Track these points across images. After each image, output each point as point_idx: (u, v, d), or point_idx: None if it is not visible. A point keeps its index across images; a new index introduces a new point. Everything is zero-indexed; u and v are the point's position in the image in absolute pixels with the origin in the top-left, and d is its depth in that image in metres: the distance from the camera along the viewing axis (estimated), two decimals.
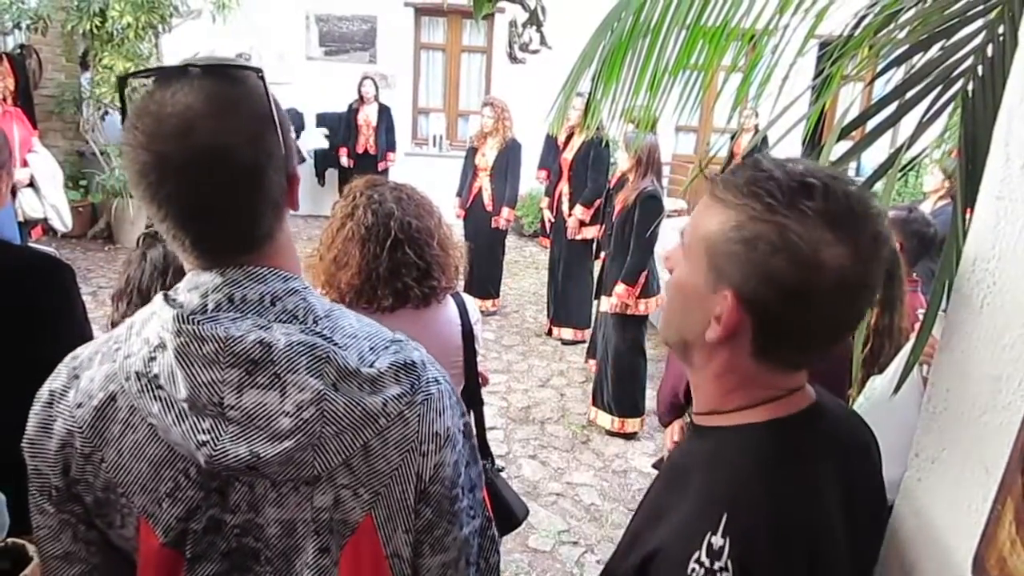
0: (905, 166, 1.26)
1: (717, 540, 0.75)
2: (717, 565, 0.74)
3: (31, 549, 1.24)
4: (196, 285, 0.84)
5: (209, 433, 0.80)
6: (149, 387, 0.82)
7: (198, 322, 0.80)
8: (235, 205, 0.80)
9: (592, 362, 4.91)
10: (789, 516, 0.78)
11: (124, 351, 0.85)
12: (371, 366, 0.85)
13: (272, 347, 0.80)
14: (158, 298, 0.85)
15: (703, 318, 0.84)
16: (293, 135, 0.87)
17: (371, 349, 0.87)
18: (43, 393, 0.90)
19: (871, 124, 1.35)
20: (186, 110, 0.76)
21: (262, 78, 0.81)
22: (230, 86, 0.79)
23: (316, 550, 0.87)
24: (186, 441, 0.81)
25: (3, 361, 1.54)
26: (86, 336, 1.67)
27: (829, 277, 0.76)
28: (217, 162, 0.77)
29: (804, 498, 0.80)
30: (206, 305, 0.82)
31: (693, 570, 0.75)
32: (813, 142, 2.98)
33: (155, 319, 0.84)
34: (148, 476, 0.85)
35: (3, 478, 1.57)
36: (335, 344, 0.83)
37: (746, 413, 0.86)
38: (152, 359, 0.82)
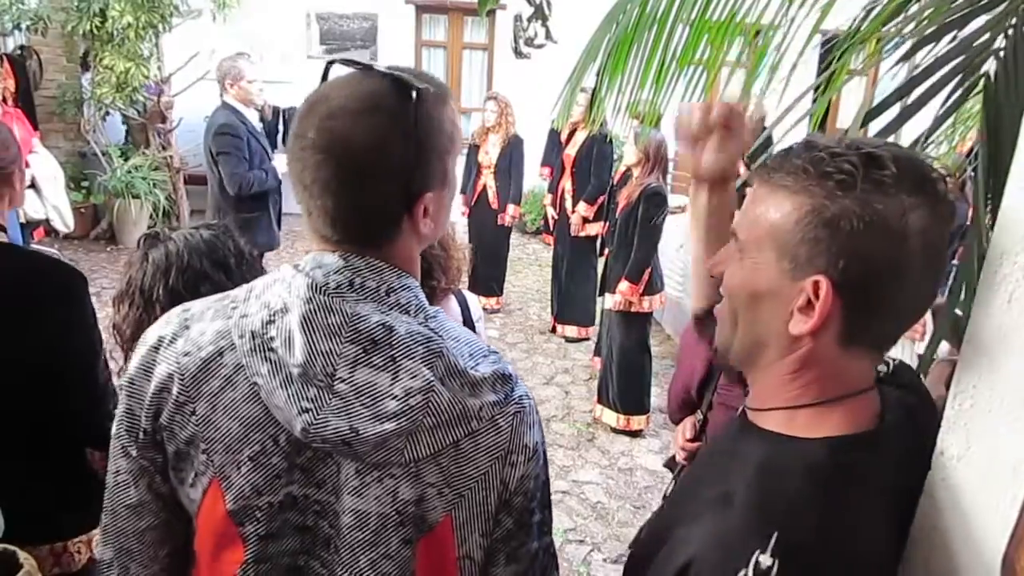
0: None
1: (766, 559, 0.72)
2: None
3: (22, 556, 1.22)
4: (320, 264, 0.87)
5: (313, 402, 0.82)
6: (262, 348, 0.85)
7: (330, 295, 0.84)
8: (348, 194, 0.83)
9: (598, 359, 4.90)
10: (842, 545, 0.74)
11: (241, 311, 0.88)
12: (476, 369, 0.87)
13: (394, 331, 0.84)
14: (285, 267, 0.89)
15: (781, 313, 0.80)
16: (449, 161, 0.90)
17: (471, 355, 0.90)
18: (150, 337, 0.92)
19: (878, 117, 1.32)
20: (334, 94, 0.85)
21: (423, 98, 0.84)
22: (386, 91, 0.84)
23: (400, 541, 0.87)
24: (288, 406, 0.83)
25: (11, 366, 1.53)
26: (95, 343, 1.65)
27: (916, 243, 0.74)
28: (337, 147, 0.82)
29: (859, 529, 0.76)
30: (328, 283, 0.85)
31: None
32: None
33: (278, 285, 0.87)
34: (236, 436, 0.86)
35: (3, 484, 1.56)
36: (446, 341, 0.87)
37: (812, 415, 0.82)
38: (271, 322, 0.85)
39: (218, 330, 0.88)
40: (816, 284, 0.76)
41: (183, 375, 0.87)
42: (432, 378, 0.83)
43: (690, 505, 0.87)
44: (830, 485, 0.77)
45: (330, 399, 0.82)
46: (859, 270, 0.75)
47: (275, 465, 0.86)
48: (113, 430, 0.93)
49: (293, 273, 0.87)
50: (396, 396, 0.82)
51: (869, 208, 0.74)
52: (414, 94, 0.83)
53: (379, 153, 0.82)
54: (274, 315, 0.85)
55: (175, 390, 0.88)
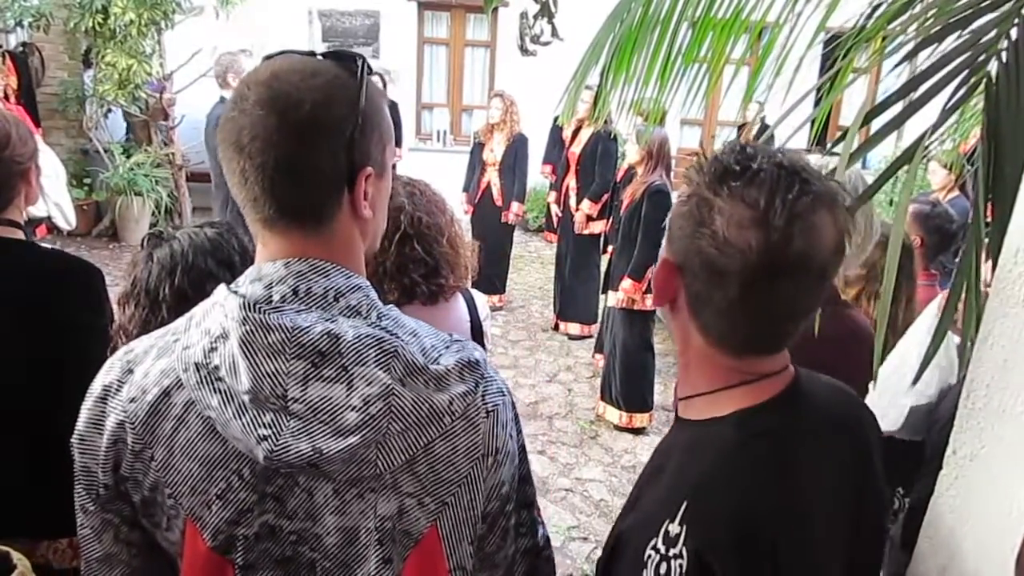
0: (910, 161, 1.24)
1: (674, 527, 0.76)
2: (672, 552, 0.75)
3: (15, 556, 1.21)
4: (260, 276, 0.83)
5: (271, 427, 0.78)
6: (209, 379, 0.80)
7: (264, 311, 0.78)
8: (291, 151, 0.79)
9: (599, 357, 4.90)
10: (750, 504, 0.78)
11: (183, 342, 0.83)
12: (436, 363, 0.83)
13: (340, 339, 0.78)
14: (220, 288, 0.84)
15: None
16: (387, 152, 0.89)
17: (433, 347, 0.86)
18: (96, 388, 0.87)
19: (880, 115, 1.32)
20: (275, 63, 0.82)
21: (364, 72, 0.83)
22: (329, 63, 0.82)
23: (379, 560, 0.85)
24: (246, 436, 0.79)
25: (33, 363, 1.55)
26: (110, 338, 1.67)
27: (737, 257, 0.77)
28: (281, 102, 0.78)
29: (769, 485, 0.80)
30: (271, 296, 0.81)
31: (649, 556, 0.76)
32: (823, 136, 2.96)
33: (217, 309, 0.82)
34: (199, 476, 0.83)
35: (10, 474, 1.57)
36: (400, 339, 0.82)
37: (718, 399, 0.86)
38: (213, 349, 0.80)
39: (162, 369, 0.84)
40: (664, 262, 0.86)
41: (133, 423, 0.83)
42: (390, 381, 0.79)
43: (629, 503, 0.92)
44: (738, 451, 0.82)
45: (288, 421, 0.78)
46: (691, 261, 0.82)
47: (244, 499, 0.83)
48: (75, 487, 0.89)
49: (226, 294, 0.82)
50: (355, 407, 0.78)
51: (706, 209, 0.80)
52: (359, 61, 0.82)
53: (325, 110, 0.79)
54: (215, 342, 0.80)
55: (129, 440, 0.84)
